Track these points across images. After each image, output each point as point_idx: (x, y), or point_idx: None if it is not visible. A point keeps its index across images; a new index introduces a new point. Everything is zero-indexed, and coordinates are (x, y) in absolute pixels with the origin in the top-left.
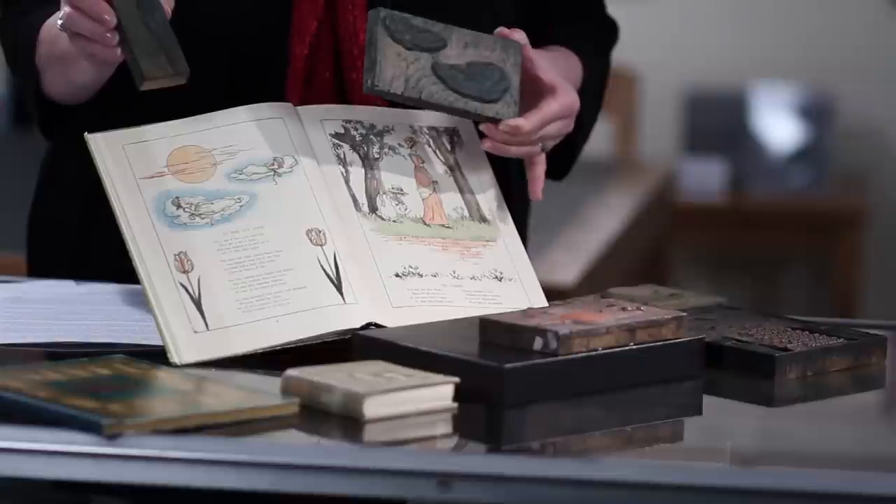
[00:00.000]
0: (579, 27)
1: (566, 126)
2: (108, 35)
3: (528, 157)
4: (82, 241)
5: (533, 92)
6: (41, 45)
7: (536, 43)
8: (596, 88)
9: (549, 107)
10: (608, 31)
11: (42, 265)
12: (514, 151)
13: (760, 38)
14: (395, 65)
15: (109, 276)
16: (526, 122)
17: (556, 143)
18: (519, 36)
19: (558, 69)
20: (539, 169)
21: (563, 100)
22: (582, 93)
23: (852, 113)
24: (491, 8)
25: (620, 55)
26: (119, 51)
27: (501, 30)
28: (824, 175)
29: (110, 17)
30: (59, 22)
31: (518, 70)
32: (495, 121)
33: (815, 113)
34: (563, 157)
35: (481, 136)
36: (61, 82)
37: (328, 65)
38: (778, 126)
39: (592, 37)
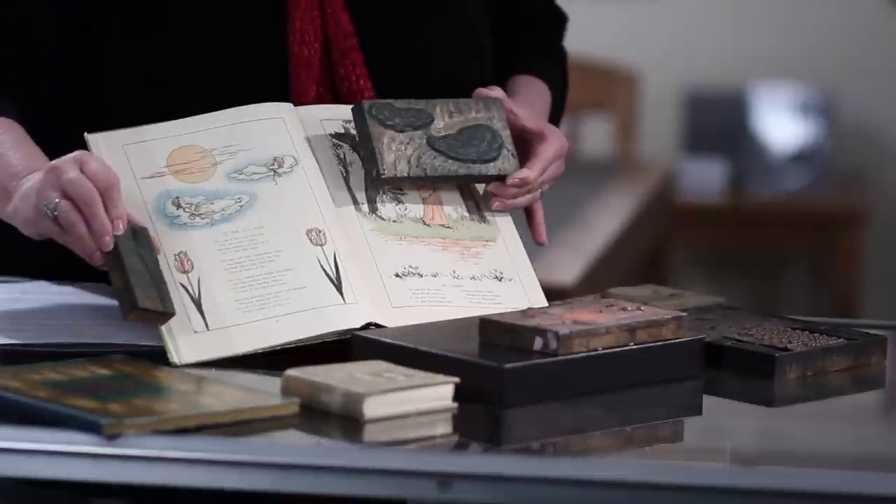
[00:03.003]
0: (536, 38)
1: (560, 168)
2: (97, 255)
3: (530, 205)
4: None
5: (523, 141)
6: None
7: (501, 49)
8: (560, 104)
9: (546, 152)
10: (558, 24)
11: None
12: (520, 203)
13: (760, 38)
14: (393, 150)
15: None
16: (531, 172)
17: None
18: (497, 93)
19: (536, 109)
20: (540, 214)
21: (555, 142)
22: (553, 115)
23: (852, 113)
24: (463, 12)
25: (620, 55)
26: (105, 271)
27: (480, 91)
28: (824, 175)
29: (109, 239)
30: (51, 211)
31: (506, 124)
32: (500, 177)
33: (815, 113)
34: None
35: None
36: None
37: None
38: (778, 126)
39: (550, 46)
